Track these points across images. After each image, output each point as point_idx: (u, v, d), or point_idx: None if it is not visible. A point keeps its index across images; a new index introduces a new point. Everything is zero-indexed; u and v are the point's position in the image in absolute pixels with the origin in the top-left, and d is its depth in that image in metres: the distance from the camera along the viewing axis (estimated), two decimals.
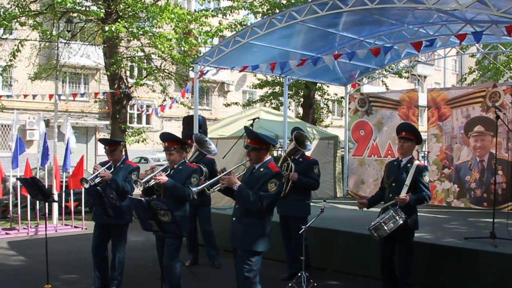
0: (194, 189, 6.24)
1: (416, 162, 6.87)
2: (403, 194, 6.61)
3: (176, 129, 24.03)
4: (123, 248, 7.59)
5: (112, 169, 7.59)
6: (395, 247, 6.86)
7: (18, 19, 15.43)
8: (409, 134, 6.95)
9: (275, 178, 5.66)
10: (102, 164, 7.76)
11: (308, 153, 8.58)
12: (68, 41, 18.40)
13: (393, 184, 6.89)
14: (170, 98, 14.74)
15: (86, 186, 7.37)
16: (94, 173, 7.49)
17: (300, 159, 8.18)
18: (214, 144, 9.58)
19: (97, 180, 7.40)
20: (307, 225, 7.23)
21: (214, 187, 6.08)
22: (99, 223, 7.52)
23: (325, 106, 23.55)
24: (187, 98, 21.14)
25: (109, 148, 7.67)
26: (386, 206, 6.81)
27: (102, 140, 7.95)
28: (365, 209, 7.31)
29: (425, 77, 49.40)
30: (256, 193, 5.59)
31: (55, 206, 13.60)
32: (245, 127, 6.46)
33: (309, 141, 8.23)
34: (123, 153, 8.06)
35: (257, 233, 5.69)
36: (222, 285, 8.05)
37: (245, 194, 5.60)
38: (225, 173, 5.83)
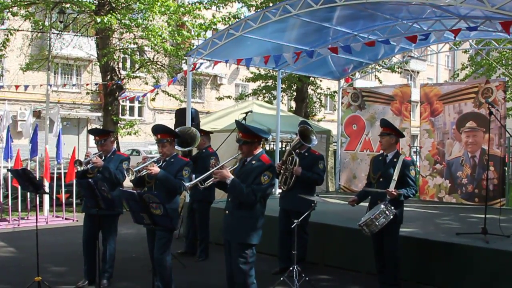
0: (187, 184, 6.22)
1: (402, 157, 6.99)
2: (392, 189, 6.68)
3: (169, 122, 23.98)
4: (113, 241, 7.58)
5: (104, 159, 7.57)
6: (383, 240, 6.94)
7: (10, 9, 15.31)
8: (385, 129, 7.11)
9: (268, 170, 5.73)
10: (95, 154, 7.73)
11: None
12: (60, 32, 18.30)
13: (381, 179, 7.01)
14: (163, 91, 14.67)
15: (80, 168, 7.34)
16: (86, 159, 7.45)
17: (306, 154, 8.18)
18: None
19: (90, 165, 7.37)
20: (299, 219, 7.21)
21: (207, 181, 6.08)
22: (89, 214, 7.49)
23: (317, 100, 23.55)
24: (180, 90, 21.09)
25: (100, 138, 7.63)
26: (374, 192, 6.87)
27: (92, 131, 7.92)
28: (355, 204, 7.38)
29: (418, 72, 49.53)
30: (249, 186, 5.64)
31: (46, 197, 13.53)
32: (236, 121, 6.43)
33: (315, 136, 8.21)
34: (114, 144, 8.00)
35: (250, 226, 5.74)
36: (213, 278, 8.04)
37: (238, 187, 5.65)
38: (217, 167, 5.89)
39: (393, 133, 7.09)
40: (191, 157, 9.22)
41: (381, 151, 7.29)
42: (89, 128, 31.79)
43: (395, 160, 6.94)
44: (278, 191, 10.98)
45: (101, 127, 18.57)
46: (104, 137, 7.66)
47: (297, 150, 8.18)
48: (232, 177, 5.72)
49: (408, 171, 6.85)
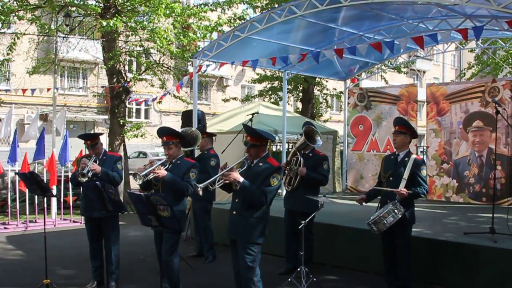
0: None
1: (414, 156, 6.96)
2: (401, 188, 6.66)
3: (175, 124, 24.01)
4: (117, 241, 7.58)
5: (98, 162, 7.59)
6: (395, 240, 6.90)
7: (16, 13, 15.35)
8: (401, 128, 7.06)
9: (277, 172, 5.86)
10: (86, 157, 7.74)
11: None
12: (66, 35, 18.33)
13: (391, 178, 6.96)
14: (169, 92, 14.68)
15: (84, 180, 7.34)
16: (83, 168, 7.42)
17: (310, 154, 8.17)
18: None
19: (90, 174, 7.40)
20: (306, 220, 7.21)
21: (218, 183, 6.11)
22: (90, 217, 7.55)
23: (324, 101, 23.52)
24: (186, 92, 21.10)
25: (91, 142, 7.65)
26: (384, 190, 6.86)
27: (82, 136, 7.86)
28: (364, 203, 7.37)
29: (424, 72, 49.41)
30: (259, 187, 5.75)
31: (54, 200, 13.57)
32: (243, 124, 6.51)
33: (319, 136, 8.22)
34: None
35: (258, 226, 5.86)
36: (220, 279, 8.05)
37: (250, 189, 5.75)
38: (227, 169, 5.92)
39: (408, 132, 7.06)
40: (192, 158, 9.26)
41: (388, 151, 7.27)
42: (96, 131, 31.83)
43: (406, 159, 6.91)
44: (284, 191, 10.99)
45: (108, 130, 18.55)
46: (95, 140, 7.69)
47: (301, 151, 8.18)
48: (243, 179, 5.77)
49: (419, 171, 6.82)
